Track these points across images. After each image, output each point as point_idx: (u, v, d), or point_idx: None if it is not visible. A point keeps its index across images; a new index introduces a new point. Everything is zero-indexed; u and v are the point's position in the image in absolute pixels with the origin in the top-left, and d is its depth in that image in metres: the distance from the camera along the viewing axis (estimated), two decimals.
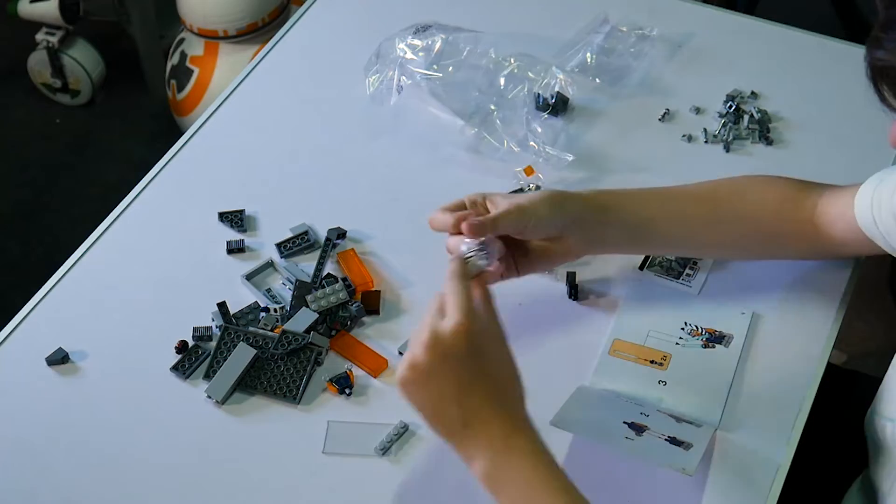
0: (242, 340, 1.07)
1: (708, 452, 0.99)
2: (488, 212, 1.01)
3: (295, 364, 1.06)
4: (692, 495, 0.97)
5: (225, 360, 1.06)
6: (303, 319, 1.08)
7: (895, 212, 0.98)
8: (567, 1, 1.47)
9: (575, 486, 0.85)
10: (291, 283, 1.14)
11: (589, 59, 1.36)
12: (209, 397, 1.04)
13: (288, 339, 1.06)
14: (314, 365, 1.06)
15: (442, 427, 0.87)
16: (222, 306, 1.10)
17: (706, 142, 1.29)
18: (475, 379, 0.85)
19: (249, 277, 1.15)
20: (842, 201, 1.04)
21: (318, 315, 1.08)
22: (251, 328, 1.08)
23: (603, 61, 1.37)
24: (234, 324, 1.10)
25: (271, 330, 1.09)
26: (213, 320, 1.10)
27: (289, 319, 1.09)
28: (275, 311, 1.10)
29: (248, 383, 1.05)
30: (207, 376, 1.06)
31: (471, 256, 0.95)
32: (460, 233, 0.97)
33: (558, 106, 1.30)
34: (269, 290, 1.14)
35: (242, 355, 1.05)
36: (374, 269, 1.16)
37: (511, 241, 1.02)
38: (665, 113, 1.32)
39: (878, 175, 1.02)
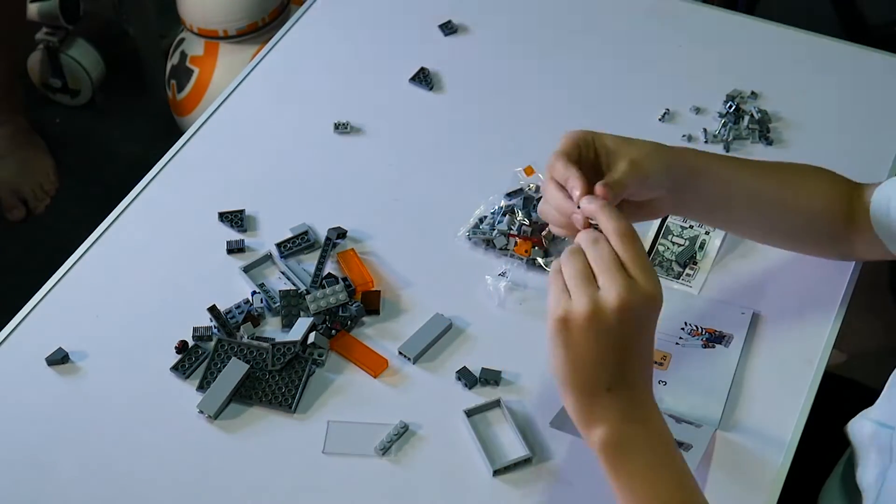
0: (235, 355, 1.06)
1: (708, 452, 0.99)
2: (597, 153, 0.94)
3: (290, 373, 1.05)
4: None
5: (219, 371, 1.05)
6: (298, 329, 1.07)
7: None
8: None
9: (692, 476, 0.84)
10: (289, 279, 1.14)
11: None
12: (201, 412, 1.03)
13: (281, 352, 1.06)
14: (311, 372, 1.06)
15: (578, 385, 0.83)
16: (213, 310, 1.10)
17: (706, 142, 1.29)
18: (631, 352, 0.82)
19: (247, 270, 1.15)
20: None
21: (312, 320, 1.07)
22: (245, 339, 1.08)
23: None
24: (226, 325, 1.09)
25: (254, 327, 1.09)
26: (212, 321, 1.10)
27: (283, 319, 1.09)
28: (256, 312, 1.10)
29: (244, 393, 1.05)
30: (201, 387, 1.05)
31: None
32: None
33: None
34: (262, 285, 1.14)
35: (235, 370, 1.04)
36: (374, 269, 1.16)
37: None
38: (665, 113, 1.32)
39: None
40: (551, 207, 0.92)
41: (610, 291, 0.80)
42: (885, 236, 1.03)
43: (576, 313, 0.81)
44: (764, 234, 1.12)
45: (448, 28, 1.43)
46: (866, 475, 1.01)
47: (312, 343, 1.07)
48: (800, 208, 1.06)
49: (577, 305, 0.81)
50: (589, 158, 0.94)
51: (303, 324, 1.08)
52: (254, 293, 1.12)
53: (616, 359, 0.82)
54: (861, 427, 1.02)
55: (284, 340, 1.06)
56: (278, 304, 1.11)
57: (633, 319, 0.81)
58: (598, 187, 0.88)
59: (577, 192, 0.88)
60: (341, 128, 1.31)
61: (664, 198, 0.98)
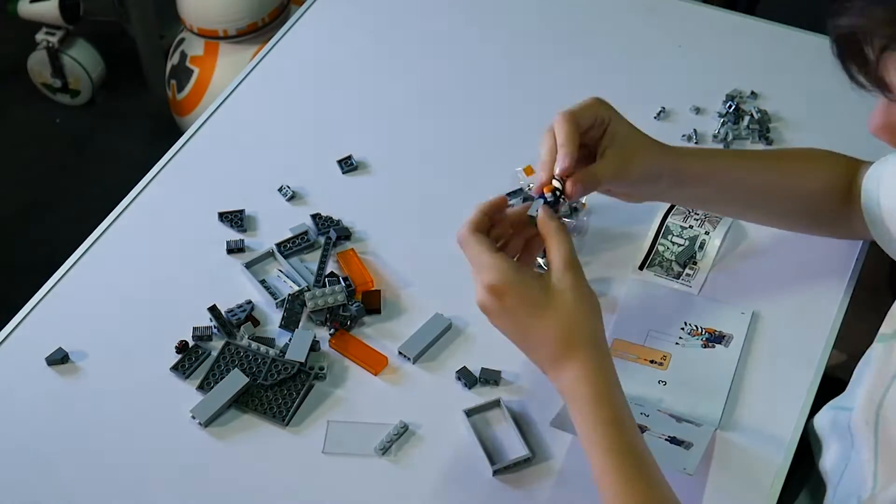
0: (239, 361, 1.06)
1: (708, 452, 0.99)
2: (605, 133, 0.97)
3: (289, 386, 1.05)
4: (692, 495, 0.97)
5: (221, 376, 1.05)
6: (300, 345, 1.07)
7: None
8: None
9: (631, 422, 0.87)
10: (289, 277, 1.14)
11: None
12: (193, 417, 1.03)
13: (278, 369, 1.06)
14: (310, 387, 1.05)
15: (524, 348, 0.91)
16: (213, 310, 1.10)
17: (696, 142, 1.29)
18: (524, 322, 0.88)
19: (249, 266, 1.15)
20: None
21: (313, 335, 1.07)
22: (253, 346, 1.08)
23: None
24: (226, 325, 1.09)
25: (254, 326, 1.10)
26: (212, 321, 1.10)
27: (283, 320, 1.09)
28: (248, 318, 1.10)
29: (241, 401, 1.04)
30: (202, 387, 1.05)
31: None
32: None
33: None
34: (263, 281, 1.14)
35: (234, 382, 1.04)
36: (374, 269, 1.16)
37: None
38: (661, 111, 1.32)
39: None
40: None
41: (479, 286, 0.88)
42: (872, 223, 1.04)
43: (477, 301, 0.89)
44: (762, 219, 1.14)
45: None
46: (827, 461, 1.02)
47: (308, 369, 1.06)
48: (797, 196, 1.08)
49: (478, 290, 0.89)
50: (594, 136, 0.96)
51: (303, 338, 1.07)
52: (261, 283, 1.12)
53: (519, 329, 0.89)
54: (822, 416, 1.04)
55: (285, 359, 1.06)
56: (279, 299, 1.11)
57: (506, 296, 0.87)
58: (570, 184, 0.92)
59: (558, 168, 0.92)
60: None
61: (646, 194, 1.02)
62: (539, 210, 0.91)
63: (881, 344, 0.95)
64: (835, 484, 0.99)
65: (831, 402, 1.03)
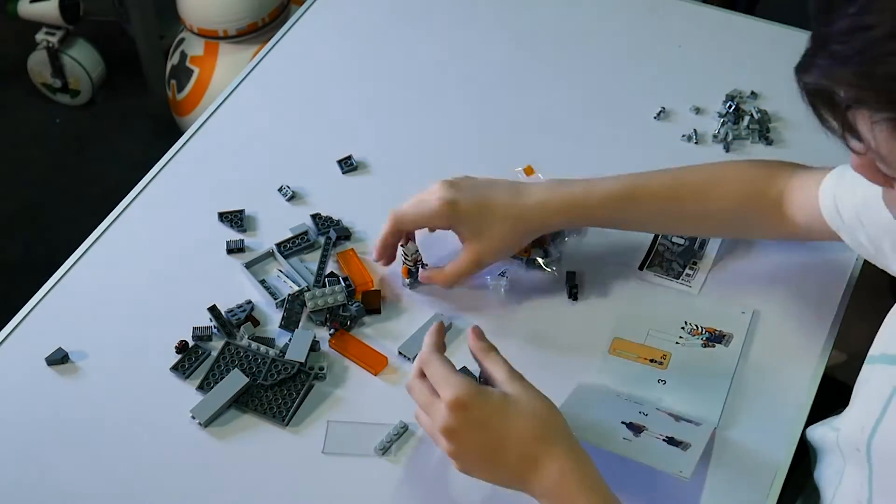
0: (239, 362, 1.06)
1: (707, 451, 0.99)
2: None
3: (289, 386, 1.05)
4: (692, 494, 0.97)
5: (221, 376, 1.05)
6: (300, 345, 1.07)
7: (858, 211, 0.99)
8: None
9: None
10: (289, 277, 1.14)
11: None
12: (193, 417, 1.03)
13: (278, 369, 1.06)
14: (310, 387, 1.05)
15: (490, 474, 0.92)
16: (213, 310, 1.10)
17: (697, 143, 1.29)
18: (496, 433, 0.89)
19: (249, 266, 1.15)
20: (806, 191, 1.05)
21: (313, 335, 1.07)
22: (252, 346, 1.08)
23: None
24: (226, 325, 1.09)
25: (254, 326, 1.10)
26: (212, 321, 1.10)
27: (283, 320, 1.09)
28: (248, 318, 1.10)
29: (241, 401, 1.04)
30: (201, 387, 1.05)
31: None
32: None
33: None
34: (263, 281, 1.14)
35: (234, 382, 1.04)
36: (374, 269, 1.16)
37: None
38: (661, 111, 1.32)
39: (839, 170, 1.03)
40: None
41: (444, 405, 0.88)
42: (840, 231, 1.03)
43: (441, 427, 0.89)
44: (688, 232, 1.17)
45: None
46: (822, 473, 1.01)
47: (308, 369, 1.06)
48: (708, 216, 1.10)
49: (436, 422, 0.89)
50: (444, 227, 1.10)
51: (303, 338, 1.07)
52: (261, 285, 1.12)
53: (493, 445, 0.88)
54: (816, 431, 1.03)
55: (285, 359, 1.06)
56: (279, 299, 1.11)
57: (472, 408, 0.88)
58: (421, 274, 1.11)
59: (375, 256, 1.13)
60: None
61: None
62: (469, 335, 0.97)
63: (869, 366, 0.93)
64: (829, 499, 0.98)
65: (826, 420, 1.02)
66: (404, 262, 1.12)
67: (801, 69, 0.70)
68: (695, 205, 1.09)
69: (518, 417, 0.88)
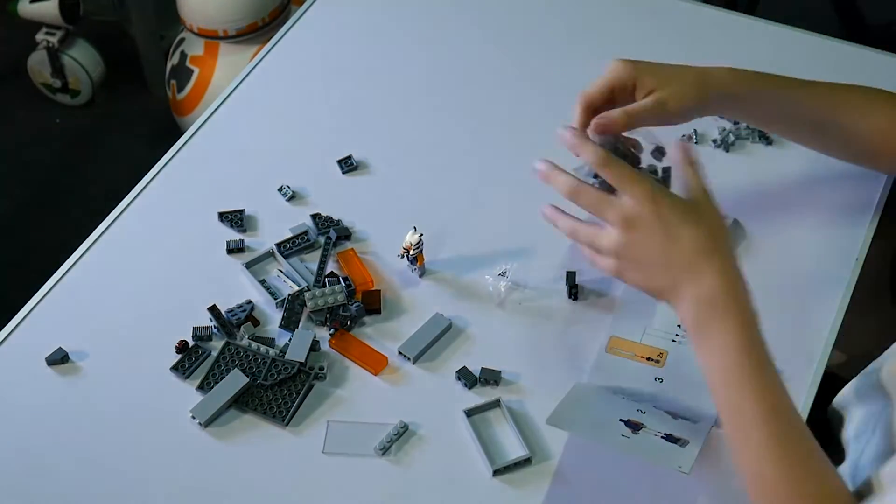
0: (239, 361, 1.06)
1: (704, 449, 0.99)
2: (637, 88, 1.03)
3: (289, 386, 1.05)
4: (690, 492, 0.97)
5: (221, 376, 1.05)
6: (300, 345, 1.07)
7: None
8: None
9: (772, 362, 0.90)
10: (289, 277, 1.14)
11: None
12: (193, 417, 1.03)
13: (278, 369, 1.05)
14: (310, 387, 1.05)
15: (658, 284, 0.92)
16: (213, 310, 1.10)
17: (697, 142, 1.29)
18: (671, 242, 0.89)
19: (249, 266, 1.15)
20: None
21: (313, 335, 1.07)
22: (253, 346, 1.08)
23: None
24: (226, 325, 1.09)
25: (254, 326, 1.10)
26: (212, 321, 1.10)
27: (283, 320, 1.09)
28: (248, 318, 1.10)
29: (241, 400, 1.04)
30: (202, 387, 1.05)
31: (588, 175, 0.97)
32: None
33: None
34: (263, 281, 1.14)
35: (234, 382, 1.04)
36: (374, 269, 1.16)
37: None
38: None
39: None
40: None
41: (631, 197, 0.89)
42: None
43: (622, 217, 0.90)
44: (816, 147, 1.17)
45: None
46: (850, 430, 1.01)
47: (308, 369, 1.06)
48: (854, 135, 1.11)
49: (613, 226, 0.90)
50: (625, 99, 1.03)
51: (303, 338, 1.07)
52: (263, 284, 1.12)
53: (670, 247, 0.89)
54: (847, 389, 1.03)
55: (285, 359, 1.06)
56: (279, 299, 1.11)
57: (661, 206, 0.89)
58: (593, 123, 0.99)
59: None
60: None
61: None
62: (676, 145, 0.95)
63: None
64: (860, 449, 0.98)
65: (858, 375, 1.03)
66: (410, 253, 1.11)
67: None
68: (846, 126, 1.11)
69: (695, 226, 0.89)
